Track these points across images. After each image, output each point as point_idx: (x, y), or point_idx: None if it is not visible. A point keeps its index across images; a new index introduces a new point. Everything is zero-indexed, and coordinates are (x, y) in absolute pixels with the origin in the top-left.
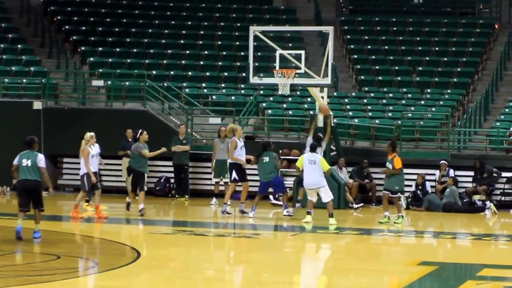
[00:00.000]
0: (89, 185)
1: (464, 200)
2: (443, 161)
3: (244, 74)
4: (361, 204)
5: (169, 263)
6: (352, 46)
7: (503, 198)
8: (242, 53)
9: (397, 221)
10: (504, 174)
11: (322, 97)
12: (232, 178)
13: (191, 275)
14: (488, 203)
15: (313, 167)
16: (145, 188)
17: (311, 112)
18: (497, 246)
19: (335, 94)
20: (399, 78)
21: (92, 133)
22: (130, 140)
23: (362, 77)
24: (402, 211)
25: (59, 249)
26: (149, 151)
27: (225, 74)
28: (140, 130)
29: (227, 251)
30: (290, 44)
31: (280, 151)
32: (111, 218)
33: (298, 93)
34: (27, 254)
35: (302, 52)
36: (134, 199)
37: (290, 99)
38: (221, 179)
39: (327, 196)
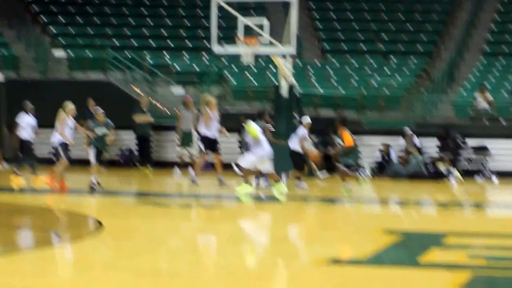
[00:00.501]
0: (66, 154)
1: (429, 168)
2: (408, 130)
3: (207, 43)
4: (325, 173)
5: (132, 234)
6: (316, 15)
7: (468, 166)
8: (205, 22)
9: (346, 194)
10: (469, 141)
11: (286, 66)
12: (203, 149)
13: (156, 247)
14: (453, 170)
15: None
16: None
17: (275, 82)
18: (462, 214)
19: (299, 63)
20: (363, 46)
21: (73, 106)
22: (91, 109)
23: (327, 45)
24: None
25: (19, 221)
26: (112, 122)
27: (188, 43)
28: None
29: (191, 221)
30: (254, 13)
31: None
32: (73, 189)
33: (262, 62)
34: None
35: (265, 20)
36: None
37: (253, 68)
38: (186, 149)
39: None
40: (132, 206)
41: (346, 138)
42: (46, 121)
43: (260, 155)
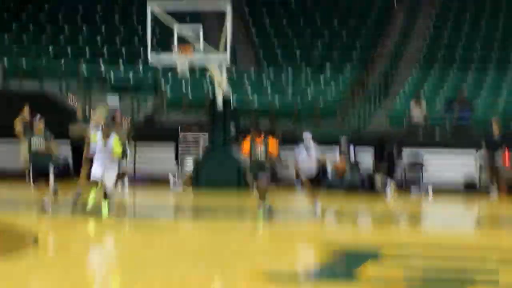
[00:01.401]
0: None
1: (364, 180)
2: (343, 139)
3: (143, 52)
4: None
5: (69, 246)
6: (251, 20)
7: (403, 177)
8: (141, 30)
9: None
10: (404, 152)
11: (222, 75)
12: None
13: (91, 259)
14: (389, 182)
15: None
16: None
17: (211, 91)
18: (398, 226)
19: (234, 70)
20: (298, 54)
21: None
22: (25, 116)
23: (262, 52)
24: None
25: None
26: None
27: (123, 51)
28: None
29: (127, 234)
30: (188, 21)
31: (180, 131)
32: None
33: (197, 72)
34: None
35: (200, 27)
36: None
37: (189, 78)
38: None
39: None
40: (70, 218)
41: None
42: None
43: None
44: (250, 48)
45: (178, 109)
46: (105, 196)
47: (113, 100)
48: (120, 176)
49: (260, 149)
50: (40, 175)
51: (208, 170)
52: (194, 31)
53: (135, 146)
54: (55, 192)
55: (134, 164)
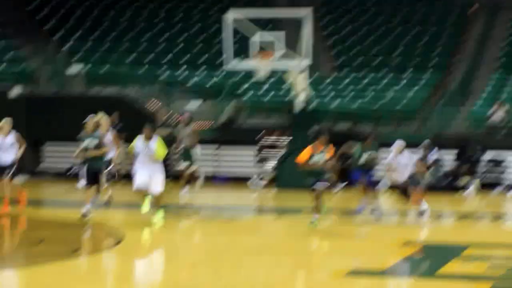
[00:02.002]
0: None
1: (447, 180)
2: (426, 142)
3: (222, 58)
4: (341, 186)
5: (152, 246)
6: (330, 28)
7: (486, 178)
8: (219, 37)
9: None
10: (486, 154)
11: (301, 81)
12: None
13: (175, 259)
14: (471, 182)
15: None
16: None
17: (291, 95)
18: (482, 225)
19: (314, 77)
20: (378, 60)
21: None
22: (113, 124)
23: (341, 59)
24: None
25: (43, 233)
26: (120, 139)
27: (203, 58)
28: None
29: (210, 234)
30: (268, 28)
31: (260, 134)
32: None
33: (277, 76)
34: (11, 239)
35: (280, 34)
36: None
37: (269, 82)
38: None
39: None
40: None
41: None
42: (61, 135)
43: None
44: (330, 54)
45: (259, 113)
46: (156, 201)
47: (194, 104)
48: (191, 178)
49: (320, 156)
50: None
51: (288, 172)
52: (275, 38)
53: (216, 148)
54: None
55: (214, 166)
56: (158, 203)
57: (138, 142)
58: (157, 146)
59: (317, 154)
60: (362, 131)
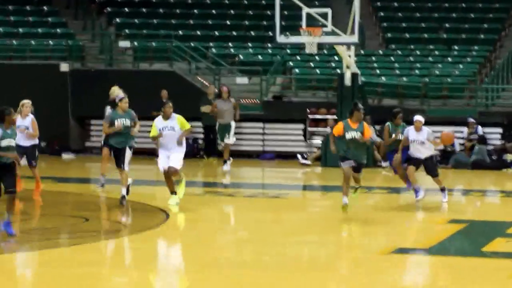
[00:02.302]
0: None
1: (493, 158)
2: (471, 119)
3: (271, 33)
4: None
5: (197, 224)
6: (378, 3)
7: None
8: (269, 12)
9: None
10: None
11: (349, 56)
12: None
13: (221, 237)
14: None
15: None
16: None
17: (338, 71)
18: None
19: (362, 52)
20: (426, 35)
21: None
22: (164, 100)
23: (389, 34)
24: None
25: (88, 211)
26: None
27: (252, 33)
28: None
29: (256, 211)
30: (317, 2)
31: (308, 110)
32: (138, 180)
33: (325, 51)
34: (55, 217)
35: (329, 10)
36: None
37: (317, 58)
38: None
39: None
40: (197, 196)
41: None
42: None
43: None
44: (378, 29)
45: (307, 89)
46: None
47: (242, 80)
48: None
49: (354, 134)
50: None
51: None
52: (322, 12)
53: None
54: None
55: (261, 143)
56: (176, 180)
57: (158, 123)
58: (178, 123)
59: (351, 131)
60: (409, 106)
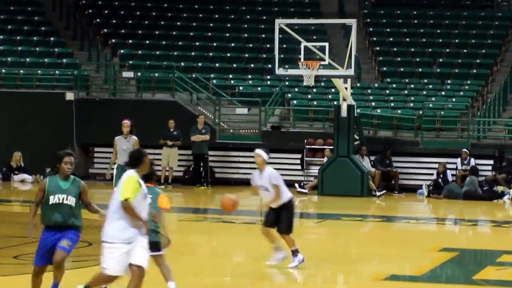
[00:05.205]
0: None
1: (484, 188)
2: (464, 150)
3: (270, 66)
4: (384, 192)
5: (197, 249)
6: (374, 38)
7: None
8: (268, 45)
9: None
10: None
11: (346, 88)
12: None
13: (219, 261)
14: (508, 191)
15: None
16: None
17: (335, 103)
18: None
19: (358, 85)
20: (420, 70)
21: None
22: (171, 130)
23: (385, 68)
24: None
25: (91, 236)
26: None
27: (252, 65)
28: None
29: (254, 238)
30: (315, 37)
31: (305, 140)
32: None
33: (322, 84)
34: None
35: (326, 44)
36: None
37: (314, 90)
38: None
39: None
40: (191, 222)
41: None
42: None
43: None
44: (374, 64)
45: (304, 120)
46: None
47: (242, 111)
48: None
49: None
50: None
51: (332, 178)
52: (320, 47)
53: None
54: None
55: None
56: None
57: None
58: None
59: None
60: (403, 138)
